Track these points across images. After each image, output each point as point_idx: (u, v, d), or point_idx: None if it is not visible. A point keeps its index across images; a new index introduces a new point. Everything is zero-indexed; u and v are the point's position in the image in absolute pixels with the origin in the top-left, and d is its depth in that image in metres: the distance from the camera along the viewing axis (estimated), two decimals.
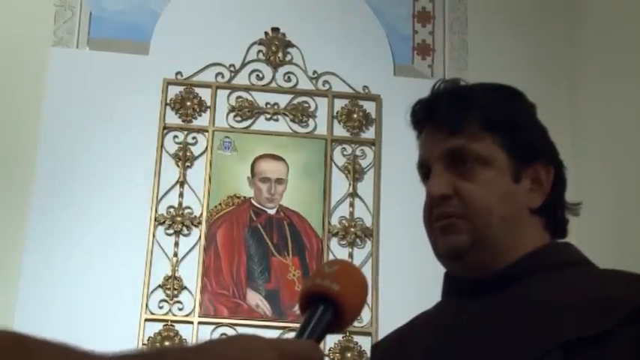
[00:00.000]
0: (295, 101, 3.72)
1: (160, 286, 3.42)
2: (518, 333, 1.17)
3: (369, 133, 3.70)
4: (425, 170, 1.33)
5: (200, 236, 3.48)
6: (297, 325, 3.12)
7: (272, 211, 3.56)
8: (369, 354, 3.40)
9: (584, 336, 1.12)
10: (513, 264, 1.25)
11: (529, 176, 1.28)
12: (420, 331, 1.33)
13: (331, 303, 0.91)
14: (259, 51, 3.78)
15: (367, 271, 3.50)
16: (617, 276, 1.22)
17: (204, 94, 3.67)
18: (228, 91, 3.70)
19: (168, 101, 3.64)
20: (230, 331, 3.39)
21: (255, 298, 3.43)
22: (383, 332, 3.35)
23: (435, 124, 1.31)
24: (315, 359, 0.86)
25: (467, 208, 1.25)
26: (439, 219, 1.27)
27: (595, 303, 1.14)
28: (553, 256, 1.27)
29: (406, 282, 3.47)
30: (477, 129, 1.27)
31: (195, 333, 3.37)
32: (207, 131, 3.62)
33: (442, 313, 1.33)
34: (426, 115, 1.34)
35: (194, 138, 3.61)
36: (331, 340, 3.42)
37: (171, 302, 3.41)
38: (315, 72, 3.75)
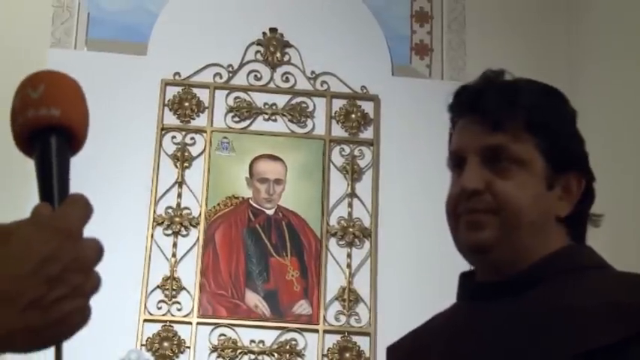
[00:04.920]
0: (293, 101, 3.71)
1: (158, 286, 3.42)
2: (536, 340, 1.15)
3: (368, 133, 3.70)
4: (457, 159, 1.30)
5: (198, 237, 3.48)
6: (297, 326, 3.12)
7: (270, 212, 3.56)
8: (367, 354, 3.40)
9: (605, 344, 1.10)
10: (531, 266, 1.23)
11: (561, 184, 1.27)
12: (436, 335, 1.32)
13: (59, 130, 0.79)
14: (257, 51, 3.78)
15: (366, 271, 3.50)
16: (637, 280, 1.20)
17: (203, 94, 3.67)
18: (226, 92, 3.70)
19: (166, 102, 3.64)
20: (229, 332, 3.39)
21: (253, 299, 3.43)
22: (382, 332, 3.36)
23: (478, 116, 1.27)
24: (77, 228, 0.76)
25: (499, 205, 1.23)
26: (467, 213, 1.25)
27: (614, 310, 1.13)
28: (572, 258, 1.26)
29: (405, 282, 3.47)
30: (520, 129, 1.25)
31: (194, 333, 3.37)
32: (206, 132, 3.62)
33: (457, 317, 1.31)
34: (471, 105, 1.29)
35: (192, 138, 3.61)
36: (330, 341, 3.42)
37: (169, 303, 3.41)
38: (313, 72, 3.75)
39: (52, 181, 0.79)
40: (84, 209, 0.77)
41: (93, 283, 0.75)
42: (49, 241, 0.73)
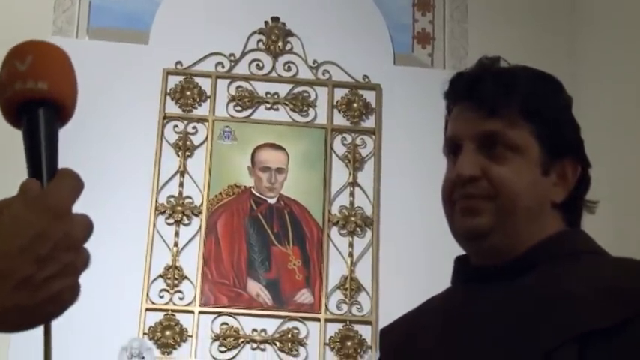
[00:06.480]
0: (295, 90, 3.71)
1: (160, 275, 3.42)
2: (531, 323, 1.16)
3: (369, 123, 3.69)
4: (453, 146, 1.30)
5: (200, 226, 3.49)
6: (299, 315, 3.12)
7: (272, 201, 3.56)
8: (369, 343, 3.40)
9: (599, 328, 1.11)
10: (527, 251, 1.24)
11: (556, 171, 1.27)
12: (430, 319, 1.32)
13: (47, 103, 0.78)
14: (259, 40, 3.77)
15: (367, 260, 3.51)
16: (631, 265, 1.21)
17: (204, 83, 3.67)
18: (228, 81, 3.70)
19: (168, 91, 3.63)
20: (231, 321, 3.40)
21: (255, 287, 3.44)
22: (383, 321, 3.36)
23: (474, 103, 1.28)
24: (66, 205, 0.75)
25: (495, 191, 1.24)
26: (463, 199, 1.26)
27: (610, 293, 1.13)
28: (566, 243, 1.26)
29: (406, 270, 3.48)
30: (515, 115, 1.26)
31: (196, 322, 3.38)
32: (208, 121, 3.62)
33: (452, 300, 1.32)
34: (466, 92, 1.29)
35: (194, 128, 3.61)
36: (331, 329, 3.42)
37: (171, 291, 3.41)
38: (315, 61, 3.74)
39: (41, 155, 0.76)
40: (74, 185, 0.76)
41: (83, 260, 0.74)
42: (40, 220, 0.71)
